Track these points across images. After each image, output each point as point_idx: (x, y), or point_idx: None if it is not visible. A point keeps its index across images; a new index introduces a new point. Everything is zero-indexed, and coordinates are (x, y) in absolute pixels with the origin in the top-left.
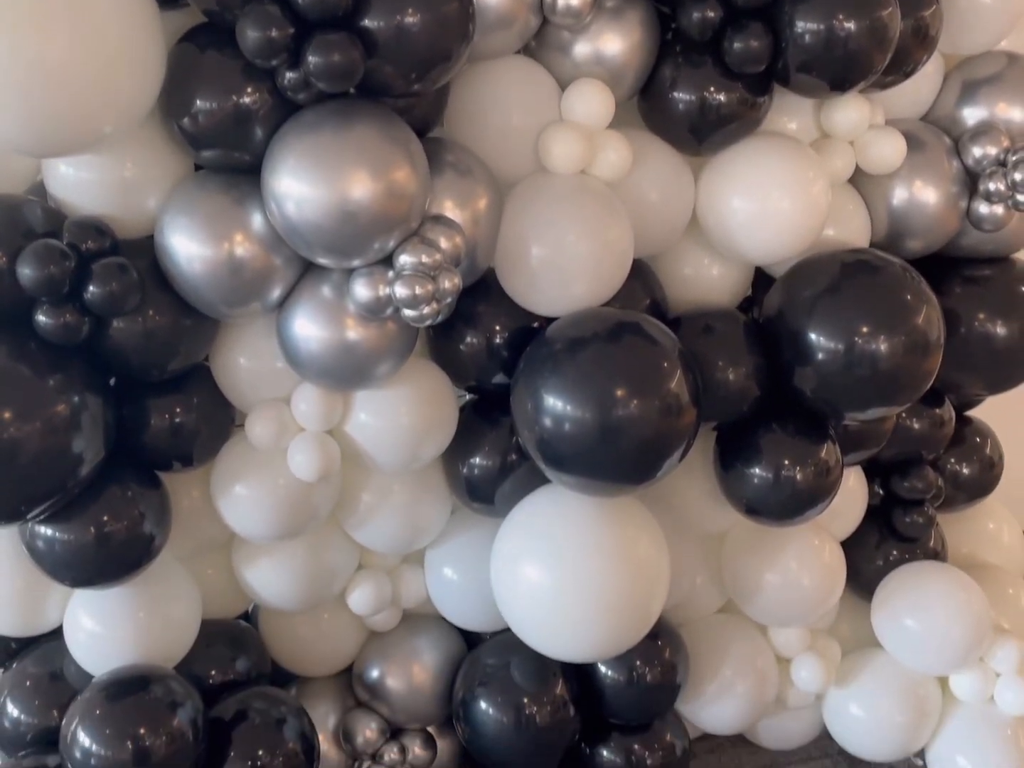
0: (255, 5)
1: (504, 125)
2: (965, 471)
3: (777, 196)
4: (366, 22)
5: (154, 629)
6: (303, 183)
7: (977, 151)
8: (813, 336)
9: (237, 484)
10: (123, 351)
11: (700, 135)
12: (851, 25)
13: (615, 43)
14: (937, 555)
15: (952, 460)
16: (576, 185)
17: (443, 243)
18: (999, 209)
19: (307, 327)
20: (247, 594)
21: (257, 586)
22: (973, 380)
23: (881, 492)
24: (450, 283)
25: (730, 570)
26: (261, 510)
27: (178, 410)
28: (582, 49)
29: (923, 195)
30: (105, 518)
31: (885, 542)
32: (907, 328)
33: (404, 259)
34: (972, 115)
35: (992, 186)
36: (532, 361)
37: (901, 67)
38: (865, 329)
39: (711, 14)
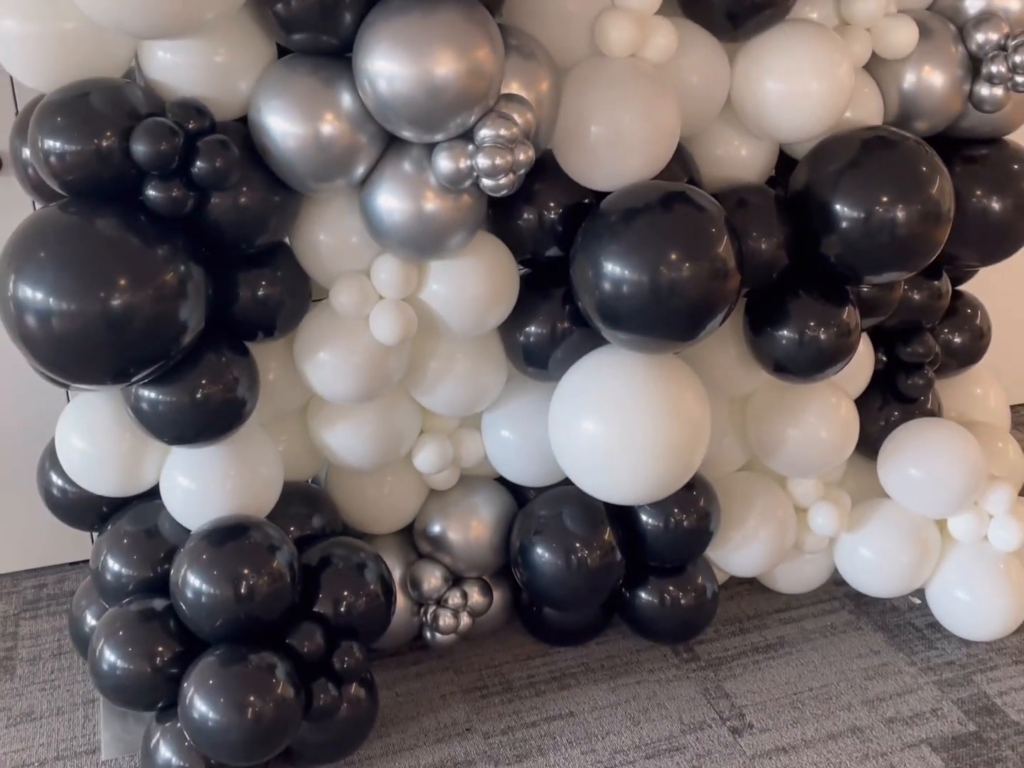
0: None
1: (562, 11)
2: (957, 340)
3: (807, 78)
4: None
5: (243, 486)
6: (394, 62)
7: (980, 37)
8: (838, 207)
9: (322, 351)
10: (220, 225)
11: (736, 21)
12: None
13: None
14: (934, 415)
15: (946, 330)
16: (630, 68)
17: (518, 118)
18: (999, 91)
19: (390, 200)
20: (323, 456)
21: (334, 446)
22: (969, 252)
23: (884, 359)
24: (525, 155)
25: (755, 427)
26: (344, 373)
27: (264, 283)
28: None
29: (931, 79)
30: (203, 382)
31: (888, 404)
32: (923, 197)
33: (484, 132)
34: (974, 4)
35: (994, 69)
36: (590, 232)
37: None
38: (885, 199)
39: None
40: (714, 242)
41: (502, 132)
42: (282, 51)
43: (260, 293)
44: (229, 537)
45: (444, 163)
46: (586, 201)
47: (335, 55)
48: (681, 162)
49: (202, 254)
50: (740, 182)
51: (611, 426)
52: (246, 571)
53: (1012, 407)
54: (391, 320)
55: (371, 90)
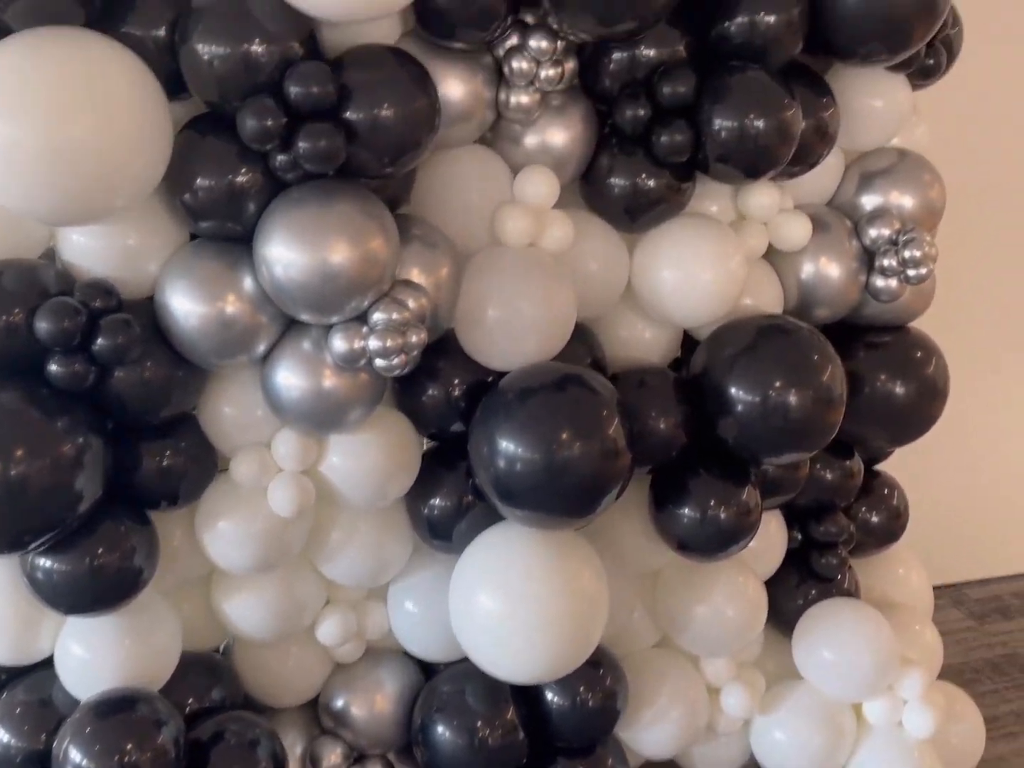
0: (254, 98)
1: (464, 204)
2: (874, 519)
3: (700, 268)
4: (348, 114)
5: (138, 656)
6: (291, 250)
7: (873, 232)
8: (733, 390)
9: (220, 520)
10: (123, 398)
11: (634, 215)
12: (760, 123)
13: (559, 136)
14: (851, 595)
15: (863, 509)
16: (527, 257)
17: (411, 303)
18: (893, 283)
19: (289, 377)
20: (223, 627)
21: (233, 617)
22: (877, 434)
23: (800, 537)
24: (417, 338)
25: (663, 603)
26: (242, 544)
27: (168, 454)
28: (531, 140)
29: (828, 270)
30: (100, 551)
31: (804, 583)
32: (814, 383)
33: (377, 316)
34: (869, 201)
35: (886, 262)
36: (487, 409)
37: (806, 159)
38: (778, 384)
39: (641, 112)
40: (605, 423)
41: (394, 316)
42: None
43: (164, 463)
44: (115, 710)
45: (339, 344)
46: (489, 379)
47: (241, 240)
48: (585, 343)
49: (103, 425)
50: (643, 363)
51: (506, 602)
52: (129, 746)
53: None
54: (288, 493)
55: (268, 275)
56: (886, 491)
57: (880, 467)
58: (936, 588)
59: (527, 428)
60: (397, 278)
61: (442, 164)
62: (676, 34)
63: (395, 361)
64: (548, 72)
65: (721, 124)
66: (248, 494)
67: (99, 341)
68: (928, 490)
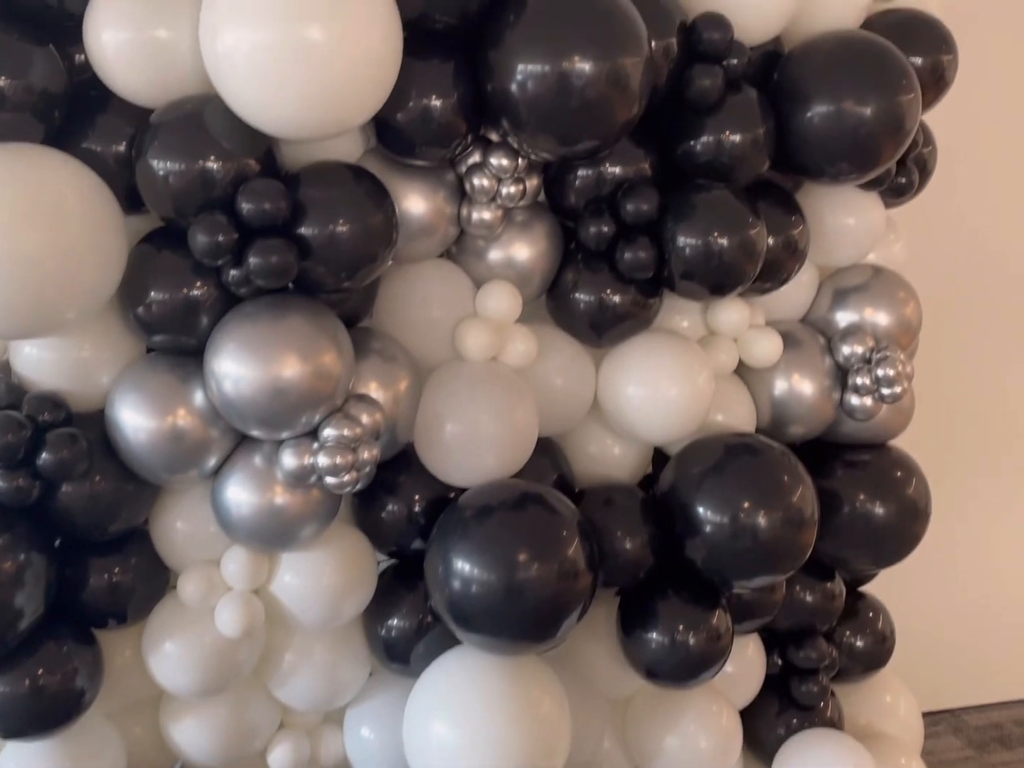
0: (206, 214)
1: (426, 318)
2: (859, 644)
3: (666, 385)
4: (302, 230)
5: None
6: (240, 364)
7: (846, 349)
8: (701, 510)
9: (167, 641)
10: (69, 513)
11: (599, 331)
12: (724, 241)
13: (524, 251)
14: (834, 724)
15: (847, 633)
16: (487, 371)
17: (364, 419)
18: (868, 401)
19: (239, 493)
20: (172, 751)
21: (181, 742)
22: (858, 556)
23: (780, 662)
24: (369, 454)
25: (633, 732)
26: (188, 666)
27: (116, 570)
28: (495, 255)
29: (801, 387)
30: (40, 672)
31: (785, 711)
32: (784, 504)
33: (327, 432)
34: (844, 318)
35: (859, 380)
36: (444, 527)
37: (776, 276)
38: (747, 504)
39: (605, 229)
40: (564, 543)
41: (345, 432)
42: None
43: (112, 579)
44: None
45: (288, 460)
46: (450, 495)
47: (194, 354)
48: (551, 458)
49: (49, 540)
50: (611, 481)
51: (462, 731)
52: None
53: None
54: (236, 613)
55: (217, 390)
56: (871, 614)
57: (865, 588)
58: (932, 714)
59: (484, 548)
60: (353, 392)
61: (405, 278)
62: (641, 152)
63: (345, 478)
64: (510, 189)
65: (685, 241)
66: (195, 614)
67: (44, 456)
68: (920, 611)
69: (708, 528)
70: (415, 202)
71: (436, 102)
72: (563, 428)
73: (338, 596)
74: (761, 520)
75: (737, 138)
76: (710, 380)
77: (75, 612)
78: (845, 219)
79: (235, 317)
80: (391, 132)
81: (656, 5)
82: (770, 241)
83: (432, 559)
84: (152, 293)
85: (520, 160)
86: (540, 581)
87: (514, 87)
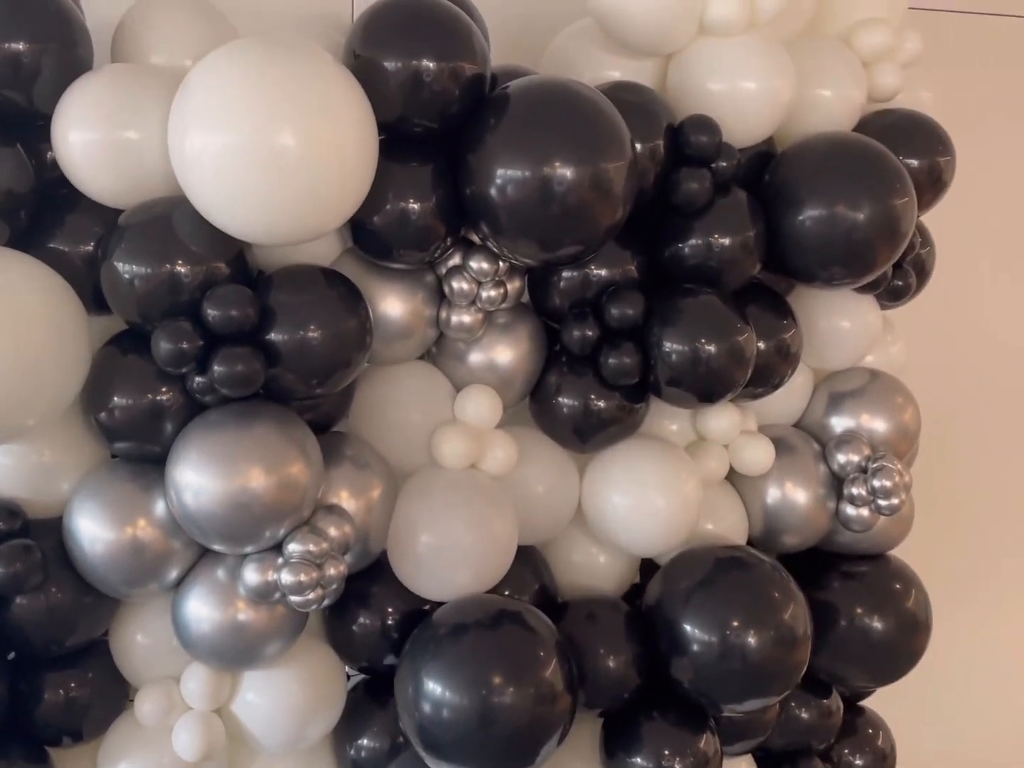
0: (170, 321)
1: (403, 422)
2: (858, 762)
3: (652, 494)
4: (271, 336)
5: None
6: (202, 475)
7: (841, 458)
8: (688, 627)
9: (122, 761)
10: (23, 627)
11: (583, 436)
12: (712, 347)
13: (506, 354)
14: None
15: (845, 751)
16: (464, 479)
17: (332, 531)
18: (864, 511)
19: (200, 608)
20: None
21: None
22: (856, 672)
23: None
24: (335, 570)
25: None
26: None
27: (72, 685)
28: (476, 358)
29: (794, 495)
30: None
31: None
32: (775, 623)
33: (292, 547)
34: (839, 423)
35: (855, 491)
36: (416, 644)
37: (768, 380)
38: (735, 623)
39: (589, 333)
40: (542, 665)
41: (311, 548)
42: None
43: (68, 695)
44: None
45: (251, 575)
46: (425, 608)
47: (159, 462)
48: (532, 567)
49: (2, 655)
50: (594, 593)
51: None
52: None
53: None
54: (194, 735)
55: (177, 501)
56: (870, 730)
57: (864, 703)
58: None
59: (456, 669)
60: (321, 503)
61: (382, 380)
62: (627, 254)
63: (311, 596)
64: (490, 293)
65: (671, 348)
66: (152, 734)
67: None
68: (922, 726)
69: (695, 647)
70: (393, 304)
71: (414, 205)
72: (545, 537)
73: (304, 716)
74: (751, 639)
75: (726, 241)
76: (698, 489)
77: (28, 729)
78: (840, 322)
79: (199, 425)
80: (367, 235)
81: (643, 108)
82: (761, 345)
83: (402, 679)
84: (115, 398)
85: (501, 263)
86: (516, 706)
87: (494, 191)
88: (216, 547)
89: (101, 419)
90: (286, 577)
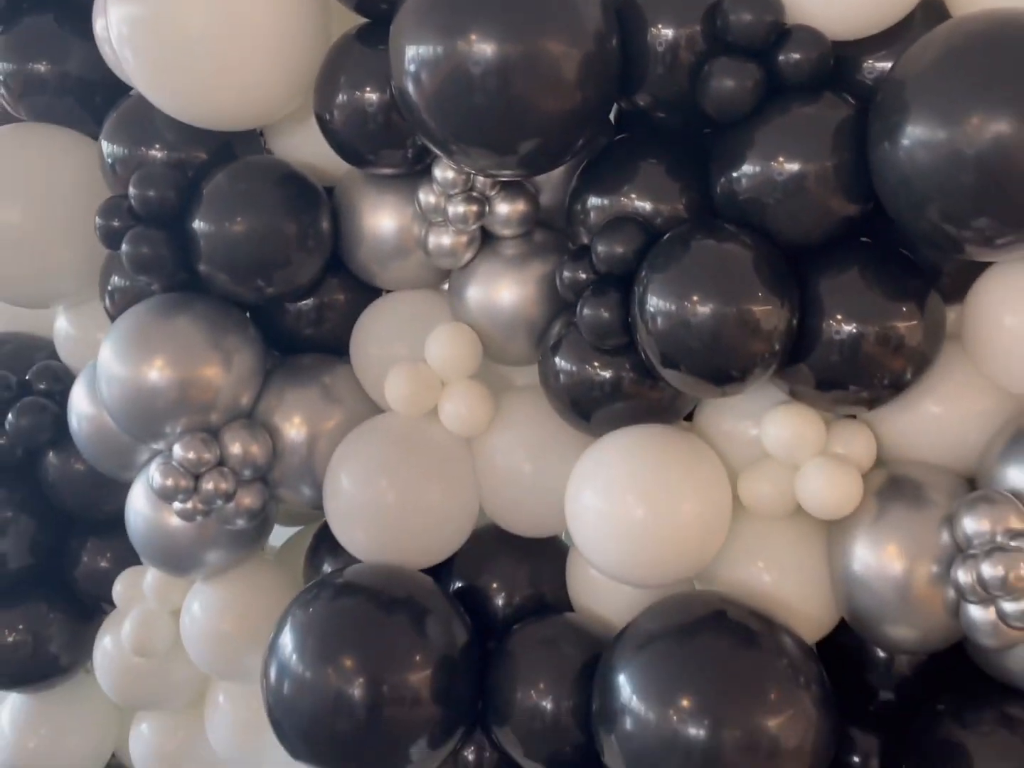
0: (112, 197)
1: (389, 355)
2: None
3: (631, 500)
4: (194, 224)
5: None
6: (113, 361)
7: (969, 524)
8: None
9: (107, 635)
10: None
11: (583, 411)
12: (705, 308)
13: (508, 293)
14: None
15: None
16: (412, 431)
17: (234, 447)
18: (990, 614)
19: (137, 501)
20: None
21: None
22: None
23: None
24: (215, 486)
25: None
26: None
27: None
28: (473, 293)
29: (892, 565)
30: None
31: None
32: (747, 723)
33: (175, 449)
34: (1019, 478)
35: (961, 576)
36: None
37: (869, 379)
38: (684, 702)
39: (583, 275)
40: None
41: (190, 455)
42: None
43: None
44: None
45: (153, 474)
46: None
47: None
48: (533, 568)
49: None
50: (588, 617)
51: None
52: None
53: None
54: (135, 625)
55: (99, 387)
56: None
57: None
58: None
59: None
60: (251, 416)
61: (379, 308)
62: (676, 187)
63: (188, 506)
64: (458, 208)
65: (656, 304)
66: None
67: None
68: None
69: (628, 720)
70: (383, 219)
71: (371, 95)
72: (536, 531)
73: (236, 644)
74: (701, 731)
75: (794, 167)
76: (716, 508)
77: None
78: None
79: (129, 311)
80: (332, 134)
81: None
82: (852, 328)
83: None
84: None
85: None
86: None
87: (409, 83)
88: (129, 438)
89: None
90: (156, 478)
